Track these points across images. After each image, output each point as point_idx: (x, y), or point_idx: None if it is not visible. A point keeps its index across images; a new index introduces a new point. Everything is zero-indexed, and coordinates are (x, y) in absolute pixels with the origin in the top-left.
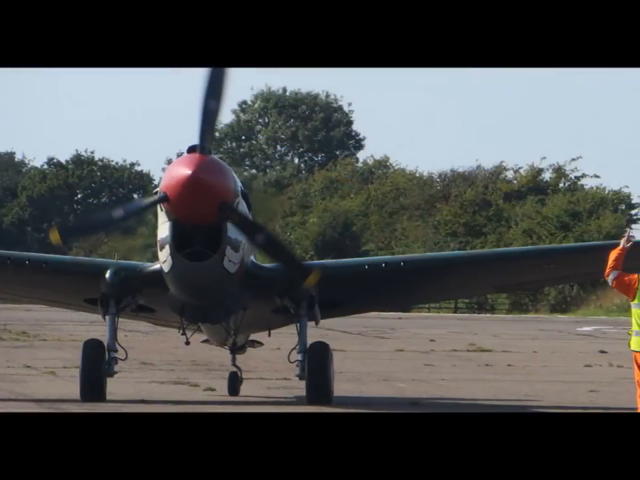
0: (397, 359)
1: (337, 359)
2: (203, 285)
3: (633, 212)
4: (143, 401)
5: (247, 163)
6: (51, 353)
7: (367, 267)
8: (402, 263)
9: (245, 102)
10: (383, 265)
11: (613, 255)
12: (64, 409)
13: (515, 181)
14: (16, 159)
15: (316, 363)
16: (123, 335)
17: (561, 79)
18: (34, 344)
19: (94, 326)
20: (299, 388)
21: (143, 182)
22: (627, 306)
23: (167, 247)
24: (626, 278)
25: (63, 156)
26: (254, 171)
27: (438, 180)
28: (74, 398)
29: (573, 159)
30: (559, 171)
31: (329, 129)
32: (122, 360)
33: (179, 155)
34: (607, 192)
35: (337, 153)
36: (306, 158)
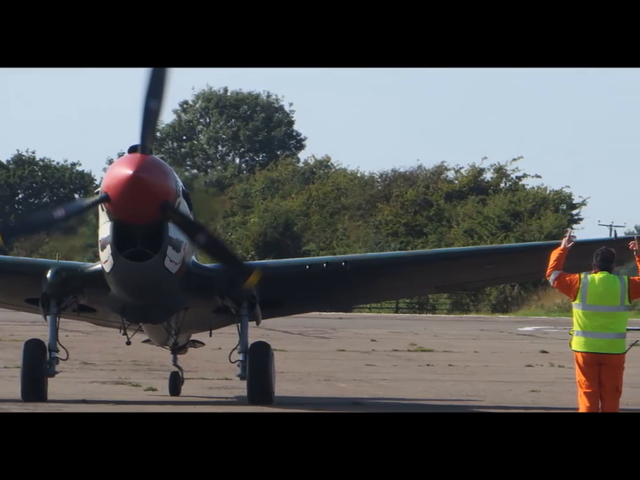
0: (338, 359)
1: (278, 359)
2: (144, 285)
3: (574, 212)
4: (84, 401)
5: (188, 162)
6: None
7: (308, 266)
8: (343, 263)
9: (186, 102)
10: (324, 265)
11: (554, 255)
12: (4, 408)
13: (456, 181)
14: None
15: (257, 363)
16: (64, 334)
17: (501, 79)
18: None
19: (35, 326)
20: (240, 388)
21: (84, 182)
22: (568, 306)
23: (108, 247)
24: (567, 278)
25: (4, 156)
26: (195, 170)
27: (379, 180)
28: (15, 398)
29: (514, 159)
30: (500, 171)
31: (270, 129)
32: (63, 360)
33: (120, 155)
34: (548, 192)
35: (278, 153)
36: (247, 158)
